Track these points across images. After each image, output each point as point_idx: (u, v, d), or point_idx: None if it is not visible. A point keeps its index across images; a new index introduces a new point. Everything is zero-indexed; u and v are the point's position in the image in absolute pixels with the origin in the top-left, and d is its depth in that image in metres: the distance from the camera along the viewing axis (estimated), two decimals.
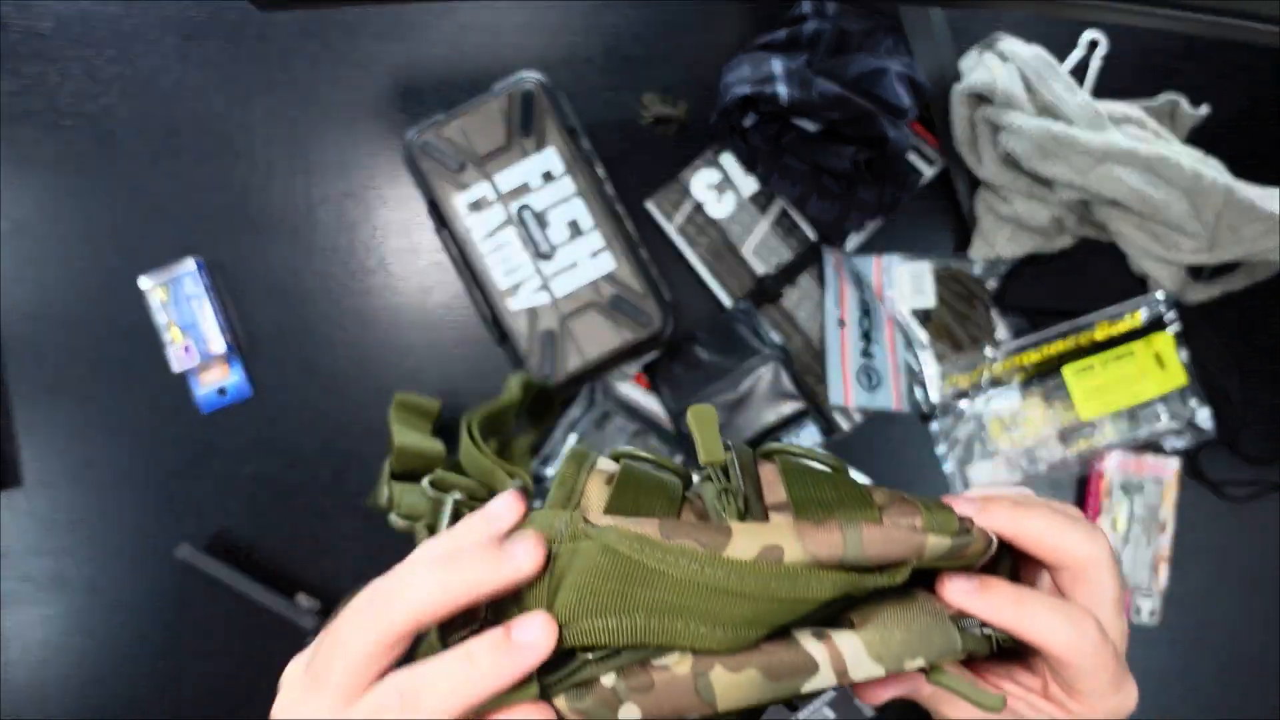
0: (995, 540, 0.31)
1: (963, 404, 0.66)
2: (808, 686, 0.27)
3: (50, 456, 0.65)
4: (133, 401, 0.65)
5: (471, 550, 0.28)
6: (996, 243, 0.65)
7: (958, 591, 0.30)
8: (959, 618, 0.30)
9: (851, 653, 0.27)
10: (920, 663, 0.28)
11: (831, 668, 0.27)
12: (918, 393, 0.66)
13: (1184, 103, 0.64)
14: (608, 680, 0.27)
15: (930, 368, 0.66)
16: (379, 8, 0.66)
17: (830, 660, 0.27)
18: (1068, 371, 0.65)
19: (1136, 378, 0.64)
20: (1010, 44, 0.62)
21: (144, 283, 0.64)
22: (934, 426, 0.66)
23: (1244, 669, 0.67)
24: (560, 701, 0.27)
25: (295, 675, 0.30)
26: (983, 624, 0.30)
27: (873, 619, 0.28)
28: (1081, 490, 0.67)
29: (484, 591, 0.27)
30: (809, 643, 0.27)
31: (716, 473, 0.31)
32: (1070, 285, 0.66)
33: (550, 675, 0.28)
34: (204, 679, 0.65)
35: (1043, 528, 0.32)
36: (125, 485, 0.65)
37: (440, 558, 0.28)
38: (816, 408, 0.65)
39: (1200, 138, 0.64)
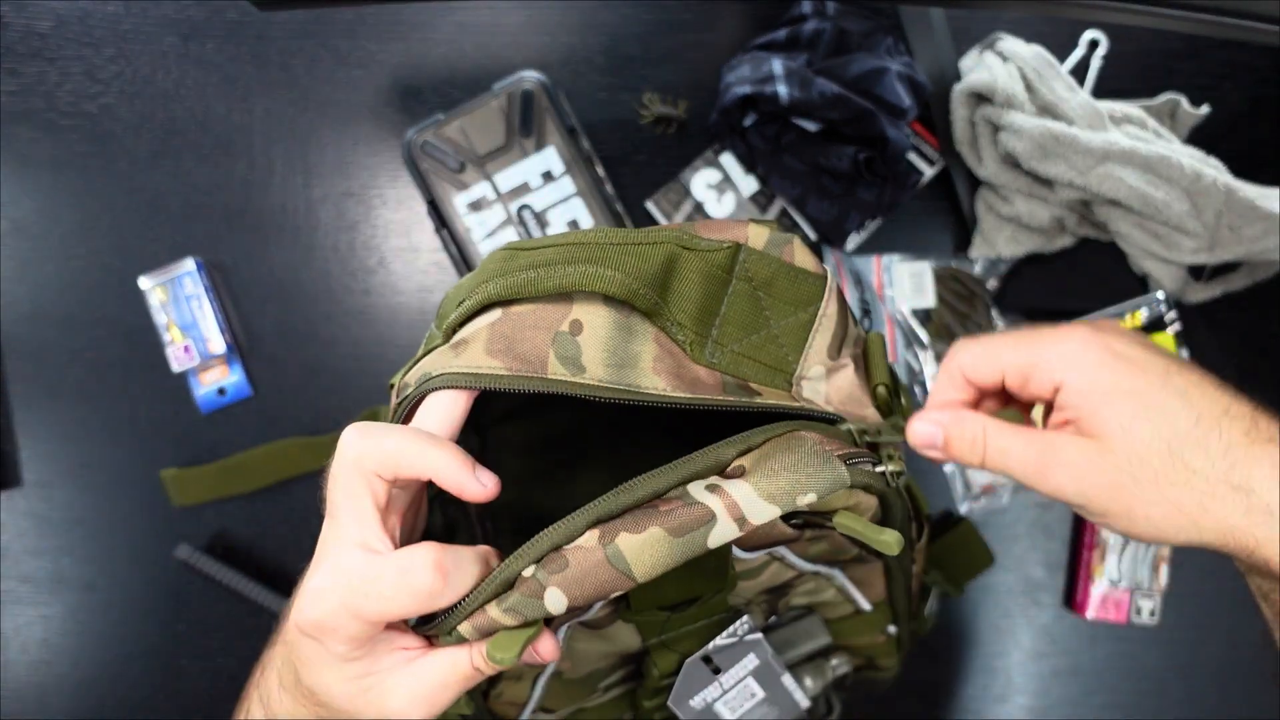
0: (832, 273, 0.35)
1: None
2: (713, 539, 0.29)
3: (50, 456, 0.65)
4: (133, 401, 0.65)
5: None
6: (997, 243, 0.65)
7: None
8: (848, 457, 0.31)
9: (744, 498, 0.29)
10: (812, 498, 0.30)
11: (729, 515, 0.29)
12: (918, 393, 0.66)
13: (1184, 102, 0.64)
14: (528, 571, 0.29)
15: (930, 368, 0.66)
16: (379, 8, 0.66)
17: (726, 509, 0.29)
18: None
19: None
20: (1010, 44, 0.62)
21: (144, 283, 0.64)
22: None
23: (1244, 669, 0.67)
24: (492, 610, 0.29)
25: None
26: (875, 462, 0.32)
27: (761, 467, 0.30)
28: None
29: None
30: (702, 495, 0.29)
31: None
32: (1071, 285, 0.66)
33: (473, 596, 0.30)
34: (204, 679, 0.65)
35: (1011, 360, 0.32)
36: (125, 485, 0.65)
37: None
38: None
39: (1200, 138, 0.64)
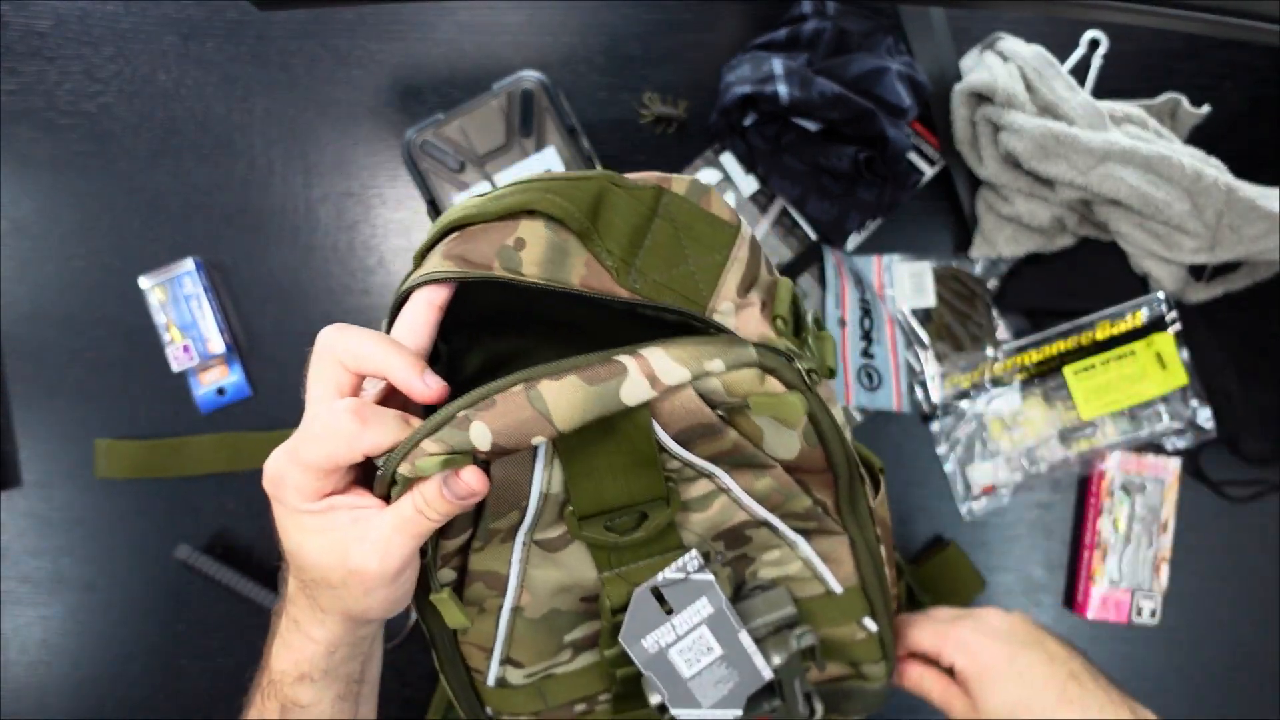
0: (745, 225, 0.40)
1: (963, 404, 0.66)
2: (626, 392, 0.33)
3: (50, 456, 0.65)
4: (133, 401, 0.65)
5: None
6: (997, 242, 0.65)
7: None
8: (760, 345, 0.37)
9: (657, 359, 0.34)
10: (719, 365, 0.35)
11: (640, 372, 0.34)
12: (918, 393, 0.66)
13: (1185, 102, 0.64)
14: (460, 413, 0.33)
15: (931, 367, 0.66)
16: (379, 8, 0.66)
17: (639, 366, 0.34)
18: (1068, 371, 0.65)
19: (1137, 378, 0.64)
20: (1010, 43, 0.62)
21: (144, 283, 0.64)
22: (934, 426, 0.66)
23: (1244, 669, 0.67)
24: (425, 445, 0.33)
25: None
26: (789, 357, 0.38)
27: (679, 340, 0.35)
28: (1082, 490, 0.67)
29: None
30: (620, 355, 0.34)
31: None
32: (1071, 285, 0.66)
33: (410, 437, 0.33)
34: (204, 679, 0.65)
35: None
36: (125, 485, 0.65)
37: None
38: None
39: (1201, 137, 0.64)
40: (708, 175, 0.66)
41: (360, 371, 0.35)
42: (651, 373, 0.34)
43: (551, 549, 0.41)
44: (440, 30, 0.66)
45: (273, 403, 0.66)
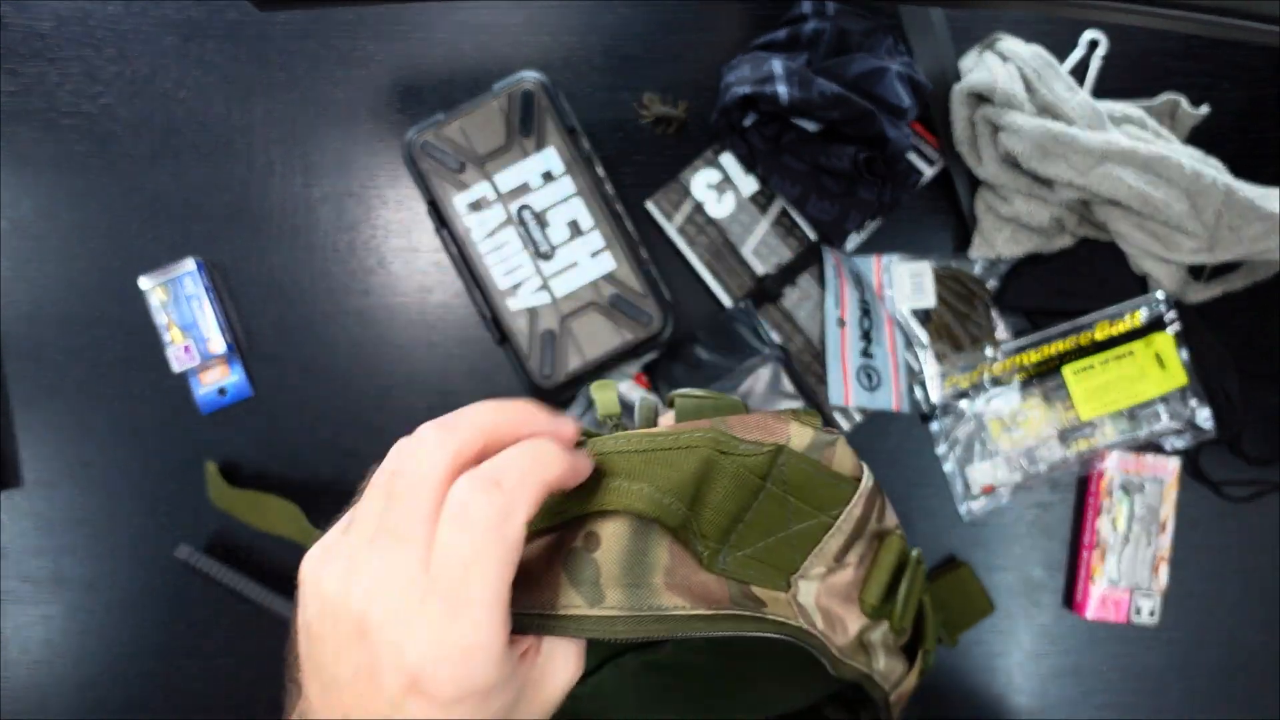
0: (868, 476, 0.34)
1: (963, 404, 0.66)
2: None
3: (50, 456, 0.65)
4: (133, 401, 0.65)
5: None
6: (996, 243, 0.65)
7: None
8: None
9: None
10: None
11: None
12: (918, 393, 0.66)
13: (1184, 102, 0.64)
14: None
15: (930, 368, 0.66)
16: (379, 8, 0.66)
17: None
18: (1068, 371, 0.65)
19: (1136, 378, 0.64)
20: (1010, 43, 0.62)
21: (144, 283, 0.64)
22: (934, 426, 0.66)
23: (1244, 669, 0.67)
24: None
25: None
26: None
27: None
28: (1081, 490, 0.67)
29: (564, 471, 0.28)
30: None
31: (610, 421, 0.34)
32: (1070, 285, 0.66)
33: None
34: (204, 679, 0.65)
35: None
36: (125, 485, 0.65)
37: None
38: (817, 407, 0.65)
39: (1200, 138, 0.64)
40: (708, 175, 0.66)
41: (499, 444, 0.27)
42: None
43: None
44: (440, 30, 0.66)
45: (273, 403, 0.66)
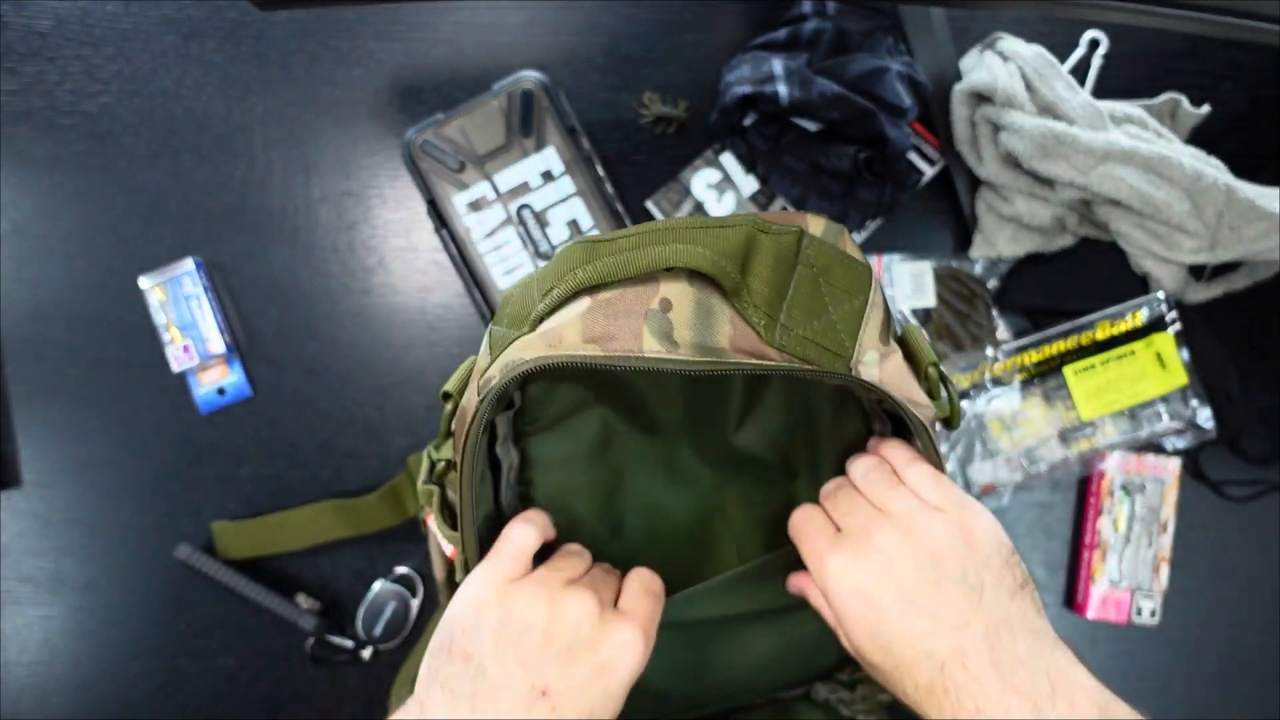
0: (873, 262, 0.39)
1: (963, 404, 0.66)
2: None
3: (50, 456, 0.65)
4: (132, 401, 0.65)
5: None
6: (997, 242, 0.65)
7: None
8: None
9: None
10: None
11: None
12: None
13: (1185, 102, 0.64)
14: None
15: None
16: (379, 8, 0.66)
17: None
18: (1068, 371, 0.65)
19: (1137, 378, 0.64)
20: (1010, 43, 0.62)
21: (144, 283, 0.64)
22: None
23: (1244, 669, 0.67)
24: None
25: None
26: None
27: None
28: (1082, 490, 0.67)
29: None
30: None
31: None
32: (1071, 285, 0.66)
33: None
34: (204, 679, 0.65)
35: None
36: (124, 485, 0.65)
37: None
38: None
39: (1200, 137, 0.64)
40: (708, 175, 0.66)
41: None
42: None
43: None
44: (440, 30, 0.66)
45: (273, 403, 0.66)
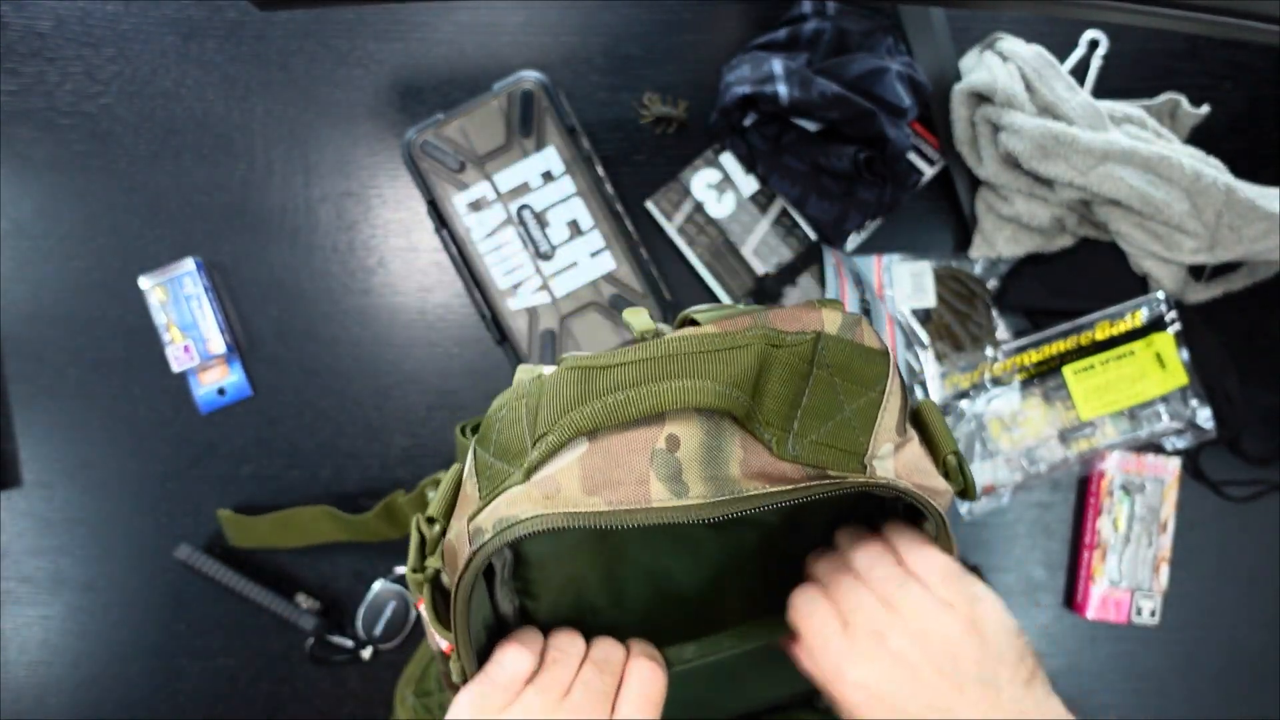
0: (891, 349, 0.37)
1: (963, 404, 0.66)
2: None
3: (50, 456, 0.65)
4: (132, 401, 0.65)
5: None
6: (997, 243, 0.65)
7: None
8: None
9: None
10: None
11: None
12: (918, 392, 0.66)
13: (1184, 102, 0.64)
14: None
15: (930, 367, 0.66)
16: (379, 8, 0.66)
17: None
18: (1068, 371, 0.65)
19: (1137, 378, 0.64)
20: (1010, 43, 0.62)
21: (144, 283, 0.64)
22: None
23: (1244, 669, 0.67)
24: None
25: None
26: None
27: None
28: (1082, 490, 0.67)
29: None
30: None
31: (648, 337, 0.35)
32: (1071, 285, 0.66)
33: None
34: (203, 679, 0.65)
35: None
36: (124, 485, 0.65)
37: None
38: None
39: (1200, 137, 0.64)
40: (708, 175, 0.66)
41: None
42: None
43: None
44: (440, 30, 0.66)
45: (273, 403, 0.66)
